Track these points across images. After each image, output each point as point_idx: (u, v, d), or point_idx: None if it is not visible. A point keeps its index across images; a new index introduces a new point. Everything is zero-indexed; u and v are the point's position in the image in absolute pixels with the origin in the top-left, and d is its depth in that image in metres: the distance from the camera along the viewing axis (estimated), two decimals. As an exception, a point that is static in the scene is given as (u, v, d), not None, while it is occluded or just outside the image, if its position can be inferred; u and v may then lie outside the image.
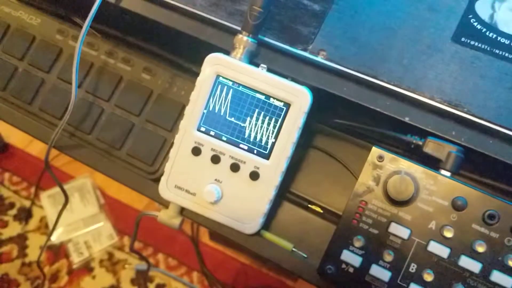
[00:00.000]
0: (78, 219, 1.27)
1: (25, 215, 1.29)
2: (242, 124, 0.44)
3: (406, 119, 0.41)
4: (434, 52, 0.42)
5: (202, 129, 0.45)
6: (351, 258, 0.41)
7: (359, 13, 0.45)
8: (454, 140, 0.40)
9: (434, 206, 0.39)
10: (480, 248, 0.37)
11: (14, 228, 1.28)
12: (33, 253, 1.24)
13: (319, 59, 0.43)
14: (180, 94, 0.50)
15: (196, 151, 0.45)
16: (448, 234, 0.38)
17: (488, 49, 0.42)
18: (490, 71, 0.41)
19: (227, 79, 0.44)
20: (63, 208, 0.57)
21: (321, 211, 0.48)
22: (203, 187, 0.45)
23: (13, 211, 1.30)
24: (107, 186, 1.32)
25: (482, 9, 0.43)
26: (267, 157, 0.44)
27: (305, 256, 0.46)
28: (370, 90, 0.43)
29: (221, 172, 0.45)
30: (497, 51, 0.41)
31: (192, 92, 0.44)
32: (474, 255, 0.38)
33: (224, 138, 0.45)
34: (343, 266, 0.41)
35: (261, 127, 0.44)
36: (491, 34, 0.42)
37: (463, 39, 0.42)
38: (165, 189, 0.46)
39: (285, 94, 0.43)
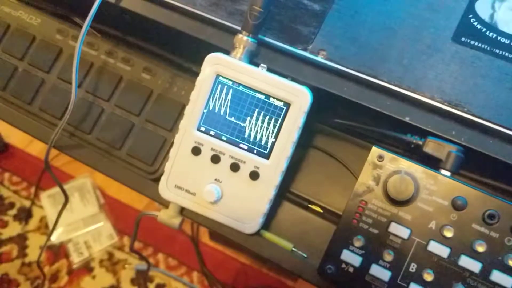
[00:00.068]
0: (78, 219, 1.27)
1: (25, 215, 1.29)
2: (242, 124, 0.44)
3: (406, 119, 0.41)
4: (434, 52, 0.42)
5: (202, 129, 0.45)
6: (351, 258, 0.41)
7: (359, 13, 0.45)
8: (454, 140, 0.40)
9: (434, 206, 0.39)
10: (480, 248, 0.37)
11: (14, 228, 1.28)
12: (33, 253, 1.24)
13: (319, 59, 0.43)
14: (180, 94, 0.50)
15: (196, 151, 0.45)
16: (448, 233, 0.38)
17: (488, 49, 0.42)
18: (490, 71, 0.41)
19: (227, 78, 0.44)
20: (63, 208, 0.57)
21: (321, 211, 0.48)
22: (203, 187, 0.45)
23: (13, 211, 1.30)
24: (107, 186, 1.32)
25: (482, 9, 0.43)
26: (267, 157, 0.44)
27: (305, 256, 0.46)
28: (370, 90, 0.43)
29: (221, 172, 0.45)
30: (497, 51, 0.41)
31: (192, 92, 0.44)
32: (474, 255, 0.38)
33: (224, 138, 0.45)
34: (343, 266, 0.41)
35: (261, 127, 0.44)
36: (491, 34, 0.42)
37: (463, 39, 0.42)
38: (165, 189, 0.46)
39: (285, 94, 0.43)
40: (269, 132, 0.44)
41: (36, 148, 1.38)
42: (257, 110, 0.44)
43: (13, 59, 0.54)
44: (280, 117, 0.43)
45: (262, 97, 0.44)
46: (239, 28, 0.44)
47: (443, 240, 0.39)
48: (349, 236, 0.41)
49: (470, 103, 0.40)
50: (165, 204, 0.48)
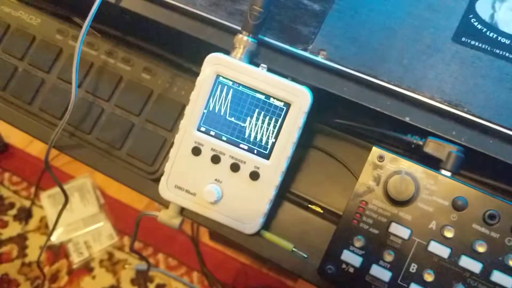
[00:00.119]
0: (78, 219, 1.27)
1: (25, 215, 1.29)
2: (242, 124, 0.44)
3: (407, 119, 0.41)
4: (435, 52, 0.42)
5: (202, 129, 0.45)
6: (351, 258, 0.41)
7: (359, 13, 0.45)
8: (455, 140, 0.40)
9: (435, 206, 0.39)
10: (481, 248, 0.37)
11: (14, 228, 1.28)
12: (33, 253, 1.24)
13: (319, 59, 0.43)
14: (180, 94, 0.50)
15: (196, 151, 0.45)
16: (449, 234, 0.38)
17: (489, 49, 0.42)
18: (490, 71, 0.41)
19: (227, 79, 0.44)
20: (63, 208, 0.57)
21: (321, 211, 0.48)
22: (203, 187, 0.45)
23: (13, 211, 1.30)
24: (107, 186, 1.32)
25: (483, 9, 0.43)
26: (267, 157, 0.44)
27: (305, 256, 0.46)
28: (370, 90, 0.43)
29: (221, 172, 0.44)
30: (497, 51, 0.41)
31: (192, 92, 0.44)
32: (474, 255, 0.38)
33: (224, 138, 0.45)
34: (344, 266, 0.41)
35: (261, 127, 0.44)
36: (491, 34, 0.42)
37: (463, 39, 0.42)
38: (165, 189, 0.46)
39: (285, 94, 0.43)
40: (269, 132, 0.44)
41: (36, 148, 1.38)
42: (257, 110, 0.44)
43: (13, 59, 0.54)
44: (280, 117, 0.43)
45: (262, 97, 0.44)
46: (239, 28, 0.44)
47: (444, 241, 0.39)
48: (350, 236, 0.41)
49: (470, 103, 0.40)
50: (165, 204, 0.48)
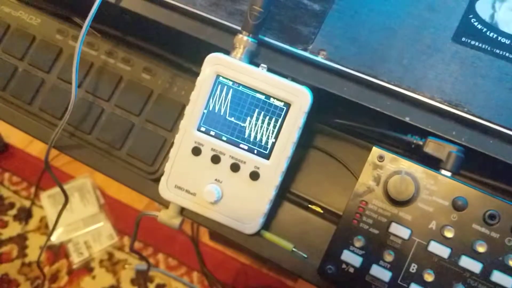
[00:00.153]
0: (78, 219, 1.27)
1: (25, 215, 1.29)
2: (242, 124, 0.44)
3: (407, 119, 0.41)
4: (434, 52, 0.42)
5: (202, 129, 0.45)
6: (351, 258, 0.41)
7: (359, 13, 0.45)
8: (455, 140, 0.40)
9: (435, 206, 0.39)
10: (481, 248, 0.37)
11: (14, 228, 1.28)
12: (33, 253, 1.24)
13: (319, 59, 0.43)
14: (180, 94, 0.50)
15: (196, 151, 0.45)
16: (449, 234, 0.38)
17: (489, 49, 0.42)
18: (490, 71, 0.41)
19: (227, 79, 0.44)
20: (63, 208, 0.57)
21: (321, 211, 0.48)
22: (203, 187, 0.45)
23: (13, 211, 1.30)
24: (107, 186, 1.32)
25: (483, 9, 0.43)
26: (267, 157, 0.44)
27: (305, 256, 0.46)
28: (370, 90, 0.43)
29: (221, 172, 0.44)
30: (497, 51, 0.41)
31: (192, 92, 0.44)
32: (474, 255, 0.38)
33: (224, 138, 0.45)
34: (344, 266, 0.41)
35: (261, 127, 0.44)
36: (491, 34, 0.42)
37: (463, 39, 0.42)
38: (165, 189, 0.46)
39: (285, 94, 0.43)
40: (269, 132, 0.44)
41: (36, 148, 1.38)
42: (257, 110, 0.44)
43: (13, 59, 0.54)
44: (280, 117, 0.43)
45: (262, 97, 0.44)
46: (239, 28, 0.44)
47: (444, 241, 0.39)
48: (350, 236, 0.41)
49: (470, 103, 0.40)
50: (165, 204, 0.48)
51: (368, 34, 0.44)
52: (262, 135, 0.44)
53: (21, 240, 1.26)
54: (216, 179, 0.45)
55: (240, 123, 0.44)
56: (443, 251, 0.38)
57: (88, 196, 1.29)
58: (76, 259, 1.22)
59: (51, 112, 0.52)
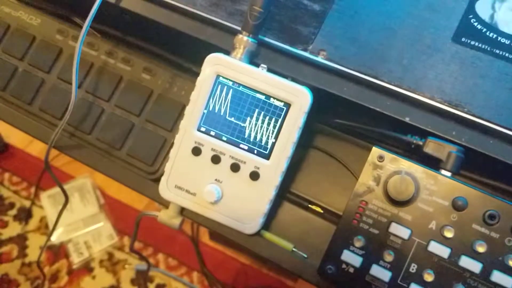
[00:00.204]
0: (78, 219, 1.27)
1: (25, 215, 1.29)
2: (242, 124, 0.44)
3: (407, 119, 0.41)
4: (434, 52, 0.42)
5: (202, 129, 0.45)
6: (351, 258, 0.41)
7: (359, 13, 0.45)
8: (455, 140, 0.40)
9: (435, 206, 0.39)
10: (481, 248, 0.37)
11: (14, 228, 1.28)
12: (33, 253, 1.24)
13: (319, 59, 0.43)
14: (180, 94, 0.50)
15: (196, 151, 0.45)
16: (449, 234, 0.38)
17: (489, 49, 0.42)
18: (490, 71, 0.41)
19: (227, 79, 0.44)
20: (63, 208, 0.57)
21: (321, 211, 0.48)
22: (203, 187, 0.45)
23: (13, 211, 1.30)
24: (107, 186, 1.32)
25: (483, 9, 0.43)
26: (267, 157, 0.44)
27: (305, 256, 0.46)
28: (370, 90, 0.43)
29: (221, 172, 0.44)
30: (497, 51, 0.41)
31: (192, 92, 0.44)
32: (474, 255, 0.38)
33: (224, 138, 0.45)
34: (344, 266, 0.41)
35: (261, 127, 0.44)
36: (491, 34, 0.42)
37: (463, 39, 0.42)
38: (165, 189, 0.46)
39: (285, 94, 0.43)
40: (269, 133, 0.44)
41: (36, 148, 1.38)
42: (257, 110, 0.44)
43: (13, 59, 0.54)
44: (280, 118, 0.43)
45: (262, 97, 0.44)
46: (239, 28, 0.44)
47: (444, 241, 0.39)
48: (350, 236, 0.41)
49: (470, 103, 0.40)
50: (165, 204, 0.48)
51: (368, 34, 0.44)
52: (262, 135, 0.44)
53: (21, 240, 1.26)
54: (216, 179, 0.45)
55: (240, 123, 0.44)
56: (443, 251, 0.38)
57: (88, 196, 1.29)
58: (76, 259, 1.22)
59: (51, 112, 0.52)
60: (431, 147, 0.40)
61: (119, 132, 0.51)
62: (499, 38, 0.42)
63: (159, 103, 0.51)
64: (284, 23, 0.45)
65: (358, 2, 0.45)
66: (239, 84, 0.44)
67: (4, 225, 1.28)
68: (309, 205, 0.49)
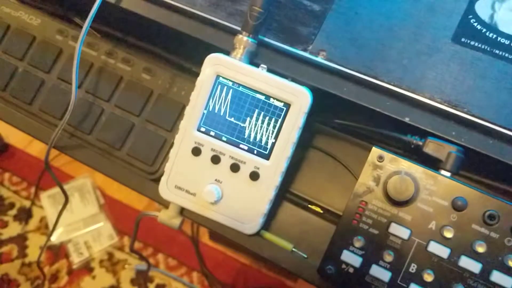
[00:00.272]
0: (78, 219, 1.27)
1: (25, 215, 1.29)
2: (242, 125, 0.44)
3: (406, 120, 0.41)
4: (434, 52, 0.42)
5: (202, 129, 0.45)
6: (351, 258, 0.41)
7: (359, 13, 0.45)
8: (454, 140, 0.40)
9: (434, 206, 0.39)
10: (480, 249, 0.37)
11: (14, 228, 1.28)
12: (33, 253, 1.24)
13: (319, 59, 0.43)
14: (180, 94, 0.50)
15: (196, 151, 0.45)
16: (448, 234, 0.38)
17: (488, 49, 0.42)
18: (490, 71, 0.41)
19: (227, 79, 0.44)
20: (63, 208, 0.57)
21: (321, 211, 0.48)
22: (203, 187, 0.45)
23: (13, 211, 1.30)
24: (107, 186, 1.32)
25: (482, 10, 0.43)
26: (267, 157, 0.44)
27: (305, 256, 0.46)
28: (370, 90, 0.43)
29: (221, 172, 0.45)
30: (497, 52, 0.41)
31: (192, 92, 0.44)
32: (474, 255, 0.38)
33: (224, 138, 0.45)
34: (343, 266, 0.41)
35: (261, 127, 0.44)
36: (491, 35, 0.42)
37: (463, 39, 0.42)
38: (165, 189, 0.46)
39: (285, 94, 0.43)
40: (269, 133, 0.44)
41: (36, 148, 1.38)
42: (257, 110, 0.44)
43: (13, 59, 0.54)
44: (280, 118, 0.43)
45: (262, 97, 0.44)
46: (239, 28, 0.44)
47: (443, 241, 0.39)
48: (349, 236, 0.41)
49: (470, 104, 0.40)
50: (165, 204, 0.48)
51: (368, 34, 0.44)
52: (262, 136, 0.44)
53: (21, 240, 1.26)
54: (216, 179, 0.45)
55: (240, 123, 0.44)
56: (443, 251, 0.38)
57: (88, 196, 1.29)
58: (76, 259, 1.22)
59: (51, 112, 0.52)
60: (430, 147, 0.40)
61: (119, 132, 0.51)
62: (499, 38, 0.42)
63: (159, 103, 0.51)
64: (284, 23, 0.45)
65: (358, 2, 0.45)
66: (239, 84, 0.44)
67: (4, 225, 1.28)
68: (309, 205, 0.49)
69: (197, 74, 0.44)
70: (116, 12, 0.50)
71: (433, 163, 0.40)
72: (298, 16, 0.45)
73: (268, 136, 0.44)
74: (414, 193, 0.39)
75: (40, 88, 0.53)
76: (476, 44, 0.42)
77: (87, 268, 1.23)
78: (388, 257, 0.40)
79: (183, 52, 0.53)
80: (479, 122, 0.39)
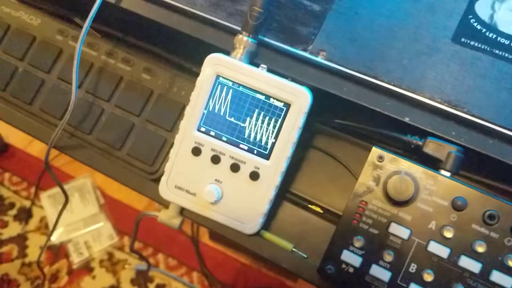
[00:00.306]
0: (78, 219, 1.27)
1: (25, 215, 1.29)
2: (242, 124, 0.44)
3: (406, 120, 0.41)
4: (434, 52, 0.42)
5: (202, 129, 0.45)
6: (351, 258, 0.41)
7: (359, 13, 0.45)
8: (454, 140, 0.40)
9: (434, 206, 0.39)
10: (480, 248, 0.38)
11: (14, 228, 1.28)
12: (33, 253, 1.24)
13: (319, 59, 0.43)
14: (180, 94, 0.50)
15: (196, 151, 0.45)
16: (448, 234, 0.38)
17: (488, 49, 0.42)
18: (490, 71, 0.41)
19: (227, 79, 0.44)
20: (63, 208, 0.57)
21: (321, 211, 0.48)
22: (203, 187, 0.45)
23: (13, 211, 1.30)
24: (107, 186, 1.32)
25: (482, 10, 0.43)
26: (267, 157, 0.44)
27: (305, 256, 0.46)
28: (370, 90, 0.43)
29: (221, 172, 0.45)
30: (497, 52, 0.41)
31: (192, 92, 0.44)
32: (474, 255, 0.38)
33: (224, 138, 0.45)
34: (343, 266, 0.41)
35: (261, 127, 0.44)
36: (491, 35, 0.42)
37: (463, 39, 0.42)
38: (165, 189, 0.46)
39: (285, 94, 0.43)
40: (269, 133, 0.44)
41: (36, 148, 1.38)
42: (257, 110, 0.44)
43: (13, 59, 0.54)
44: (280, 118, 0.43)
45: (262, 97, 0.44)
46: (239, 28, 0.44)
47: (443, 241, 0.39)
48: (349, 236, 0.41)
49: (470, 104, 0.40)
50: (165, 204, 0.48)
51: (368, 34, 0.44)
52: (262, 135, 0.44)
53: (21, 240, 1.26)
54: (216, 179, 0.45)
55: (240, 123, 0.44)
56: (443, 251, 0.39)
57: (88, 196, 1.29)
58: (76, 259, 1.22)
59: (51, 112, 0.52)
60: (430, 147, 0.40)
61: (119, 132, 0.51)
62: (499, 38, 0.42)
63: (159, 103, 0.51)
64: (284, 23, 0.46)
65: (358, 2, 0.45)
66: (239, 84, 0.44)
67: (4, 225, 1.28)
68: (309, 205, 0.49)
69: (197, 74, 0.44)
70: (116, 12, 0.50)
71: (433, 163, 0.40)
72: (298, 16, 0.45)
73: (268, 136, 0.44)
74: (414, 193, 0.39)
75: (40, 88, 0.53)
76: (476, 44, 0.42)
77: (87, 268, 1.23)
78: (388, 257, 0.40)
79: (183, 52, 0.53)
80: (479, 122, 0.39)
